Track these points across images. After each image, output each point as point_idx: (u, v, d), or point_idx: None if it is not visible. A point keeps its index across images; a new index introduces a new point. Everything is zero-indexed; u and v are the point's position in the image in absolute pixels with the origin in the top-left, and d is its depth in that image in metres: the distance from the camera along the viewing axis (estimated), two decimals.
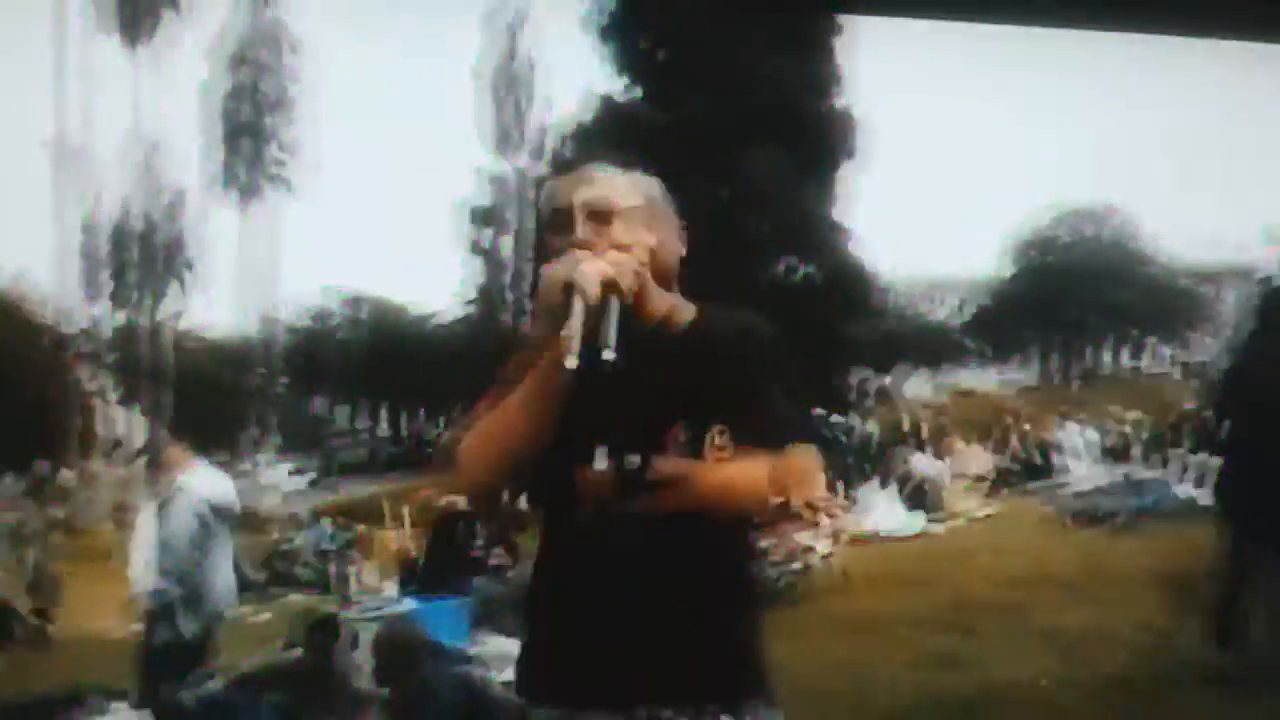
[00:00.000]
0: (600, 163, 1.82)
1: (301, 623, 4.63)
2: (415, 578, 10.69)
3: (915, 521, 11.39)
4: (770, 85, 20.04)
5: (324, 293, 35.82)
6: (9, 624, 10.54)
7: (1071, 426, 15.37)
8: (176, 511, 4.68)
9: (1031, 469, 13.82)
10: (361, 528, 16.76)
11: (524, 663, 1.87)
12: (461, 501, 10.31)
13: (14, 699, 6.56)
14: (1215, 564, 5.08)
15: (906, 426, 14.30)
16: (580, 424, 1.69)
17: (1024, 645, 5.97)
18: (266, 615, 12.27)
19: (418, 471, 30.66)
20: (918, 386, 32.34)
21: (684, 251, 1.85)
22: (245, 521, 24.96)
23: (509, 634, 7.14)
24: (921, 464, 12.81)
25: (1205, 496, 9.59)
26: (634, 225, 1.75)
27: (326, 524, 17.24)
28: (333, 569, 14.69)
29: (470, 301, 33.88)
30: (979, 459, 14.44)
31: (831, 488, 14.04)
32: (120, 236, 25.75)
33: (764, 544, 7.81)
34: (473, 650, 6.61)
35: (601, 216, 1.74)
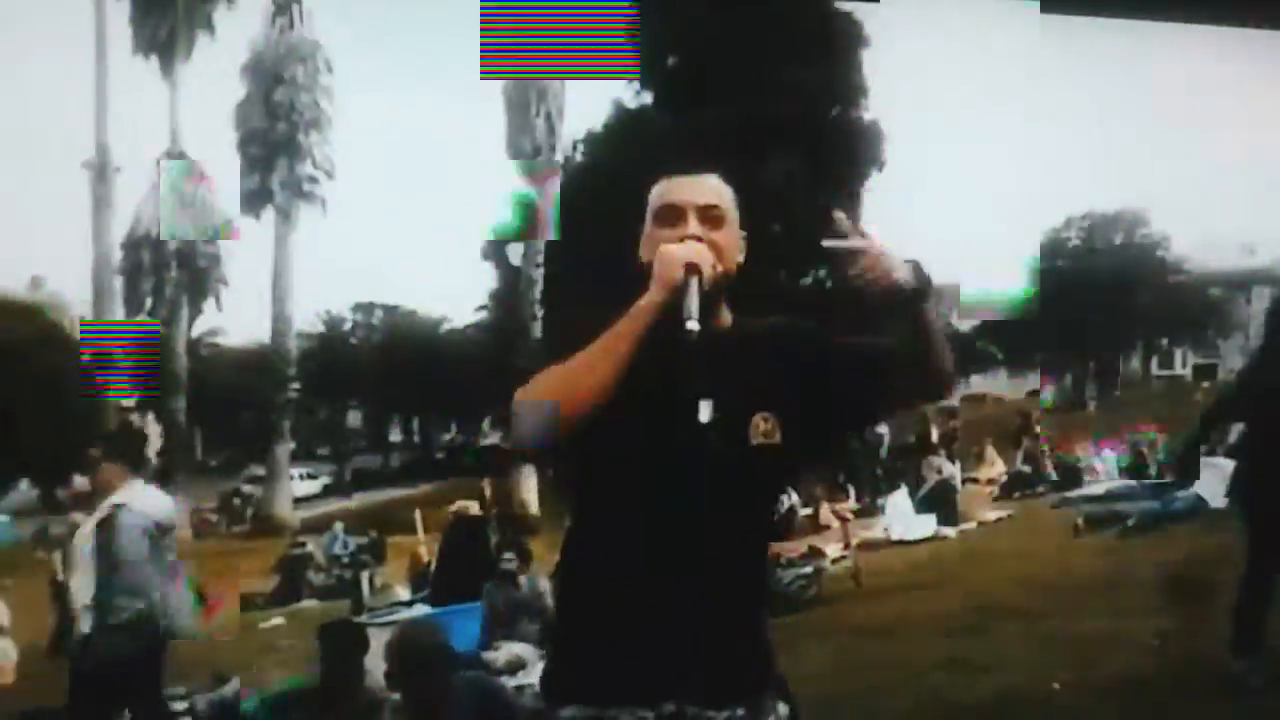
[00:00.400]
0: (705, 162, 1.99)
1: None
2: (427, 583, 10.73)
3: (927, 525, 11.34)
4: (790, 94, 20.03)
5: (341, 302, 36.07)
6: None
7: (1106, 453, 15.16)
8: (122, 529, 4.63)
9: (1049, 483, 13.70)
10: (374, 533, 16.82)
11: (552, 662, 1.96)
12: (473, 507, 10.36)
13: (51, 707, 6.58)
14: (1237, 569, 5.04)
15: (921, 432, 14.23)
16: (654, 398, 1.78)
17: (1037, 649, 5.93)
18: (277, 620, 12.33)
19: (429, 477, 30.84)
20: None
21: (742, 258, 1.97)
22: (261, 527, 25.11)
23: (520, 639, 7.18)
24: (934, 468, 12.76)
25: (1220, 500, 9.57)
26: (731, 230, 1.94)
27: (340, 530, 17.29)
28: (346, 575, 14.75)
29: (481, 307, 33.96)
30: (992, 463, 14.40)
31: (844, 492, 14.07)
32: (157, 254, 25.95)
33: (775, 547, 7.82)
34: (486, 656, 6.64)
35: (710, 219, 1.91)
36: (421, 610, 8.41)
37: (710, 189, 1.95)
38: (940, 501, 11.96)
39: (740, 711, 1.79)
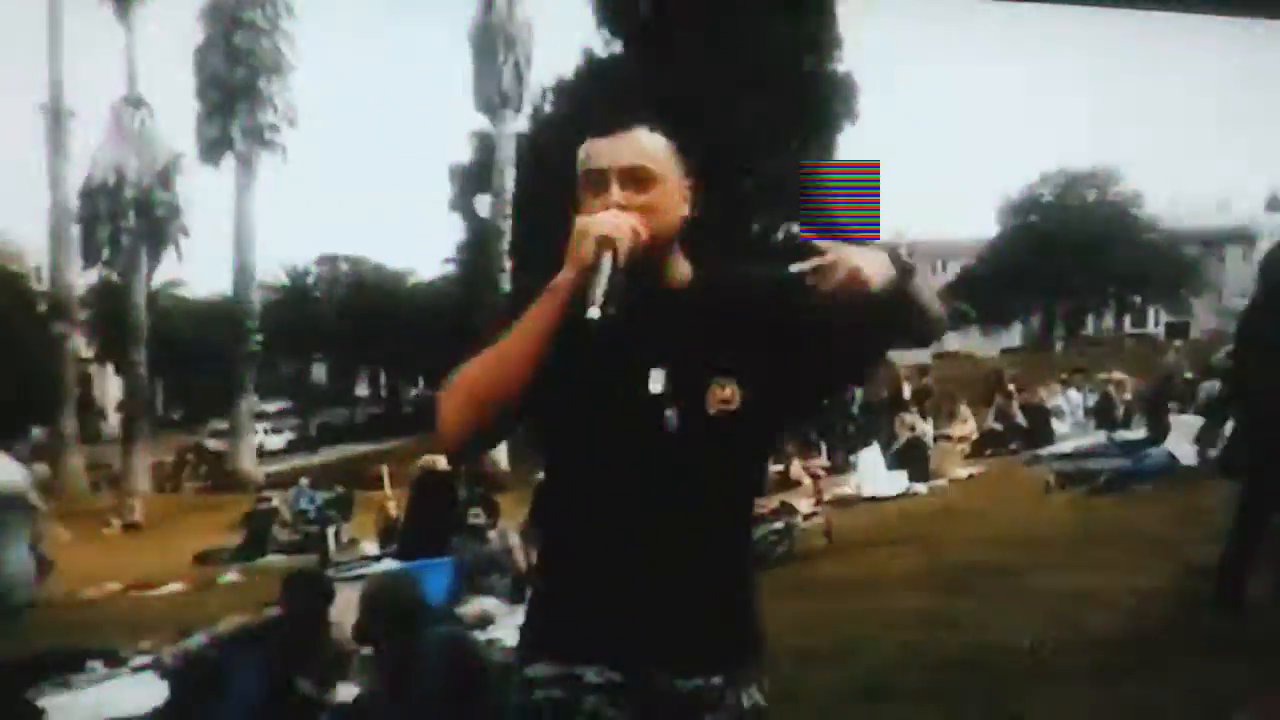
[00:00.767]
0: (626, 118, 1.84)
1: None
2: (395, 538, 10.64)
3: (899, 482, 11.35)
4: (760, 44, 19.85)
5: (304, 253, 35.63)
6: None
7: (1071, 393, 15.40)
8: None
9: (1020, 431, 13.79)
10: (341, 489, 16.68)
11: (527, 618, 1.89)
12: (441, 462, 10.23)
13: (10, 660, 6.47)
14: (1208, 525, 5.05)
15: (893, 389, 14.23)
16: (605, 369, 1.72)
17: (1007, 606, 5.92)
18: (232, 577, 12.24)
19: (396, 432, 30.72)
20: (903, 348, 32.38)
21: (687, 211, 1.84)
22: (225, 483, 24.89)
23: (489, 593, 7.12)
24: (906, 425, 12.76)
25: (1191, 458, 9.64)
26: (664, 188, 1.79)
27: (306, 485, 17.13)
28: (312, 530, 14.61)
29: (449, 260, 33.67)
30: (965, 420, 14.42)
31: (816, 448, 14.06)
32: (115, 202, 25.45)
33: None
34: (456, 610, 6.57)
35: (636, 181, 1.77)
36: (389, 565, 8.30)
37: (634, 148, 1.79)
38: (912, 458, 11.97)
39: (716, 680, 1.74)
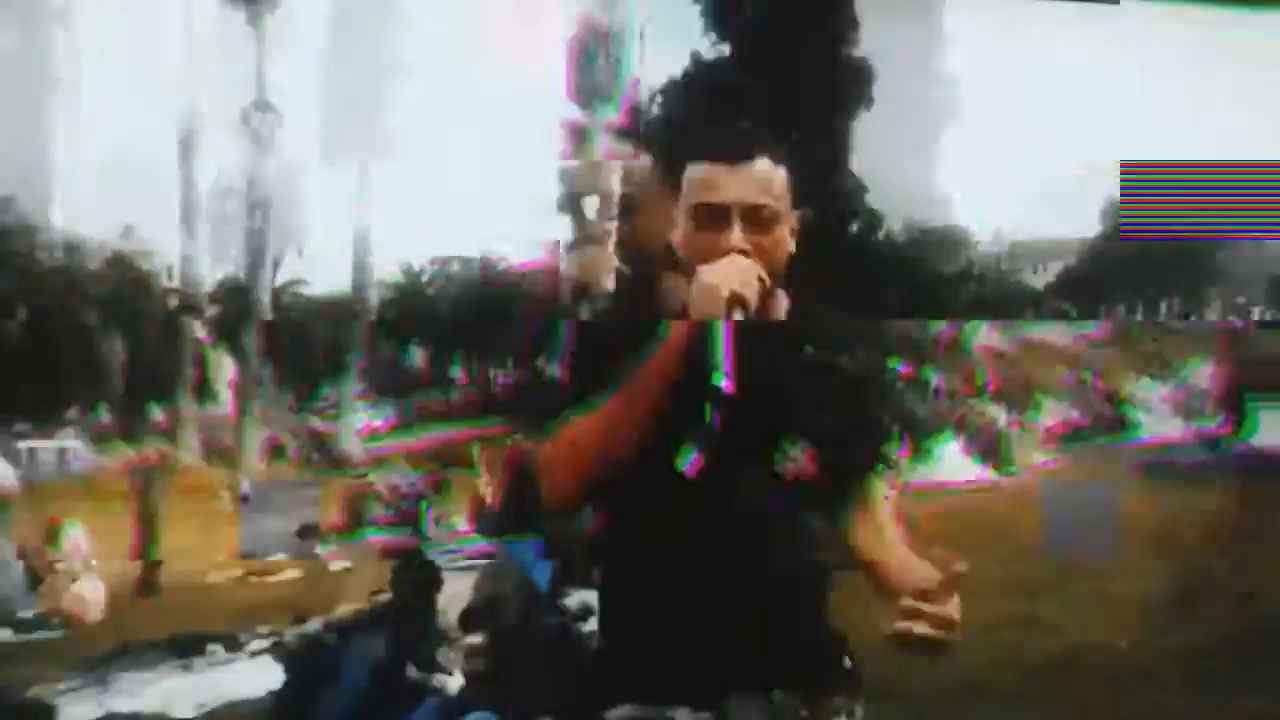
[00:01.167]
0: (751, 146, 1.71)
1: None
2: (487, 519, 11.02)
3: (976, 471, 11.34)
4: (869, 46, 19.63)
5: (418, 252, 36.37)
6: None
7: (1154, 384, 15.14)
8: None
9: (1100, 421, 13.66)
10: (436, 468, 17.12)
11: (605, 660, 1.85)
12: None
13: (139, 643, 6.89)
14: None
15: (975, 377, 14.20)
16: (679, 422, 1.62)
17: (1091, 602, 5.97)
18: (335, 556, 12.81)
19: (489, 413, 31.20)
20: (988, 337, 31.99)
21: (793, 249, 1.74)
22: (329, 460, 25.61)
23: (586, 585, 7.38)
24: (983, 414, 12.73)
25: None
26: (782, 228, 1.70)
27: (403, 464, 17.61)
28: (408, 508, 15.11)
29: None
30: (1045, 409, 14.30)
31: (899, 439, 14.09)
32: (243, 203, 26.34)
33: None
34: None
35: (757, 221, 1.66)
36: (481, 546, 8.61)
37: (759, 184, 1.66)
38: (989, 447, 11.94)
39: (804, 713, 1.71)
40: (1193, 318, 35.45)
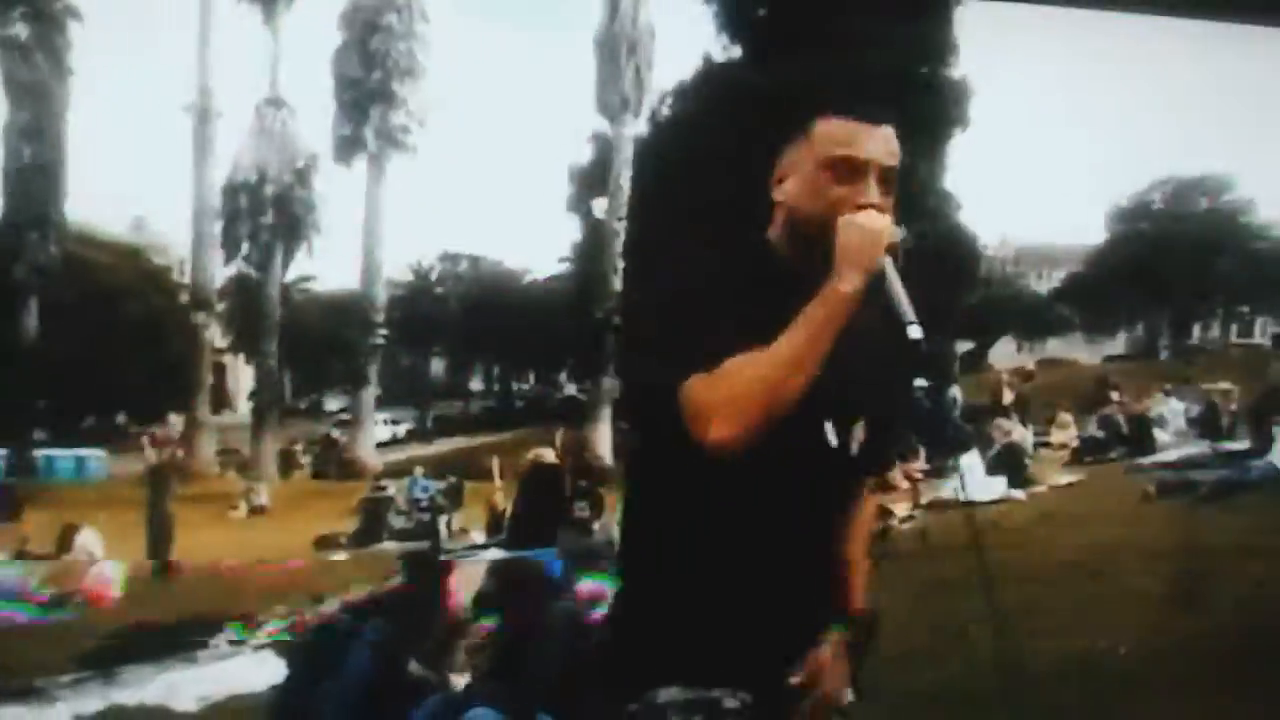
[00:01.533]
0: (887, 111, 1.74)
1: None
2: (502, 528, 11.05)
3: (998, 487, 11.34)
4: (880, 50, 19.78)
5: (428, 250, 36.60)
6: None
7: (1174, 402, 15.16)
8: None
9: (1122, 439, 13.63)
10: (453, 479, 17.22)
11: (647, 641, 1.78)
12: (549, 455, 10.62)
13: (159, 625, 6.95)
14: None
15: (994, 394, 14.19)
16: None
17: (1103, 613, 5.96)
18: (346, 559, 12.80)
19: (508, 425, 31.36)
20: (1005, 353, 31.93)
21: None
22: (345, 470, 25.79)
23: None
24: (1003, 430, 12.73)
25: None
26: (894, 198, 1.72)
27: (420, 474, 17.74)
28: (425, 518, 15.18)
29: (564, 259, 34.26)
30: (1066, 427, 14.30)
31: (916, 451, 14.07)
32: (255, 199, 26.57)
33: None
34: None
35: (885, 182, 1.69)
36: (497, 554, 8.68)
37: (893, 147, 1.71)
38: (1010, 464, 11.94)
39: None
40: (1197, 326, 35.43)
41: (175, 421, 13.81)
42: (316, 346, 30.37)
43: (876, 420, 1.77)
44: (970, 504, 10.94)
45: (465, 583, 4.24)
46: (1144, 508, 9.63)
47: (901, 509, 9.67)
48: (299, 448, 27.69)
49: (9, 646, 7.37)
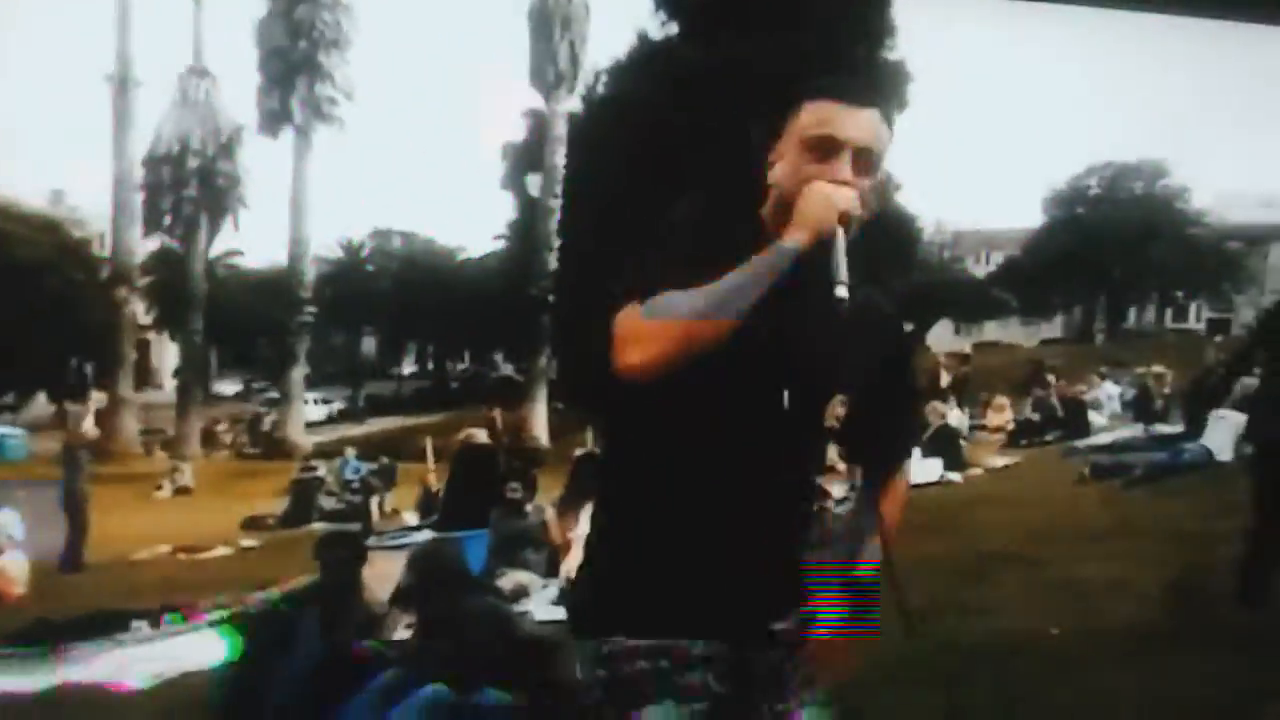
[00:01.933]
0: (871, 94, 1.79)
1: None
2: (435, 509, 10.85)
3: (932, 470, 11.37)
4: (816, 30, 19.76)
5: (358, 226, 36.03)
6: None
7: (1109, 386, 15.37)
8: None
9: (1057, 422, 13.76)
10: (385, 459, 16.99)
11: (603, 592, 1.84)
12: (482, 435, 10.43)
13: (61, 618, 6.70)
14: (1242, 522, 5.07)
15: (931, 377, 14.25)
16: (750, 361, 1.68)
17: (1035, 595, 5.98)
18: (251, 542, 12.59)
19: (442, 406, 31.08)
20: (942, 336, 32.27)
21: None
22: (274, 450, 25.43)
23: (524, 567, 7.28)
24: (938, 413, 12.76)
25: (1227, 453, 9.58)
26: (875, 178, 1.77)
27: (352, 455, 17.47)
28: (356, 500, 14.92)
29: (499, 237, 33.97)
30: (1002, 410, 14.41)
31: None
32: (178, 171, 25.90)
33: None
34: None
35: (862, 163, 1.74)
36: (428, 536, 8.49)
37: (873, 129, 1.75)
38: (946, 447, 11.97)
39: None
40: (1133, 311, 36.23)
41: (97, 398, 13.35)
42: (243, 323, 29.80)
43: (860, 402, 1.79)
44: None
45: (380, 574, 4.10)
46: (1078, 490, 9.71)
47: (837, 491, 9.60)
48: (222, 427, 27.16)
49: None
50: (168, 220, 26.12)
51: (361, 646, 4.21)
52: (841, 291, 1.59)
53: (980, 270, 37.32)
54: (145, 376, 29.39)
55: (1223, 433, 9.83)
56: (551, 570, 7.21)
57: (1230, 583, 5.15)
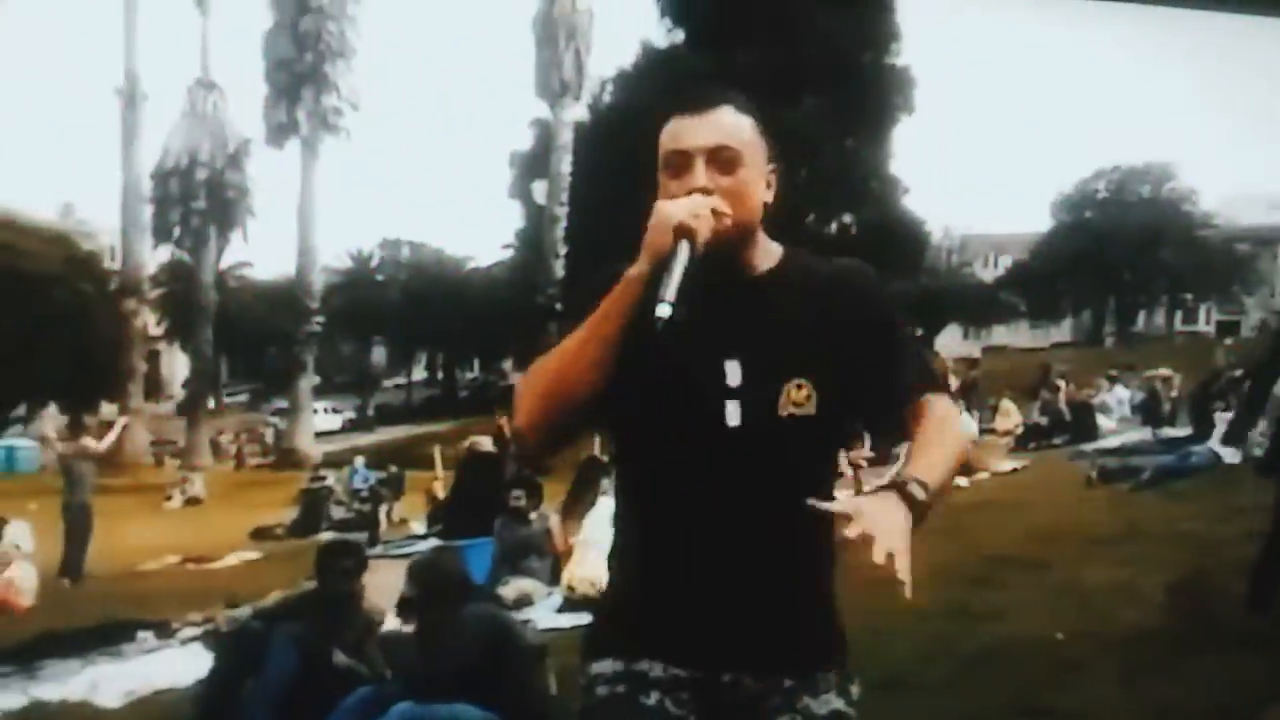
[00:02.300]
0: (714, 95, 1.73)
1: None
2: (440, 518, 10.87)
3: None
4: (822, 37, 19.82)
5: (366, 236, 36.11)
6: None
7: (1118, 389, 15.30)
8: None
9: (1065, 426, 13.70)
10: (394, 468, 17.01)
11: (595, 615, 1.85)
12: (487, 443, 10.44)
13: (63, 630, 6.72)
14: (1248, 525, 5.03)
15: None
16: (679, 372, 1.64)
17: (1041, 599, 5.95)
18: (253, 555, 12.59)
19: (450, 414, 31.09)
20: (951, 341, 32.17)
21: (771, 197, 1.74)
22: (283, 460, 25.48)
23: (528, 575, 7.28)
24: None
25: (1234, 456, 9.52)
26: (749, 171, 1.69)
27: (360, 464, 17.50)
28: (365, 509, 14.95)
29: (507, 245, 34.00)
30: (1009, 414, 14.36)
31: (860, 439, 14.04)
32: (186, 183, 26.00)
33: None
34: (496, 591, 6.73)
35: (721, 163, 1.67)
36: (435, 544, 8.49)
37: (720, 127, 1.68)
38: None
39: (788, 683, 1.68)
40: (1142, 314, 36.09)
41: (108, 411, 13.42)
42: (253, 334, 29.88)
43: (829, 386, 1.66)
44: None
45: (385, 583, 4.09)
46: (1086, 493, 9.68)
47: (842, 495, 9.57)
48: (227, 438, 27.24)
49: None
50: (177, 232, 26.22)
51: (337, 661, 4.18)
52: (663, 310, 1.50)
53: (988, 274, 37.20)
54: (156, 387, 29.45)
55: (1232, 435, 9.78)
56: (555, 579, 7.20)
57: (1238, 586, 5.11)
